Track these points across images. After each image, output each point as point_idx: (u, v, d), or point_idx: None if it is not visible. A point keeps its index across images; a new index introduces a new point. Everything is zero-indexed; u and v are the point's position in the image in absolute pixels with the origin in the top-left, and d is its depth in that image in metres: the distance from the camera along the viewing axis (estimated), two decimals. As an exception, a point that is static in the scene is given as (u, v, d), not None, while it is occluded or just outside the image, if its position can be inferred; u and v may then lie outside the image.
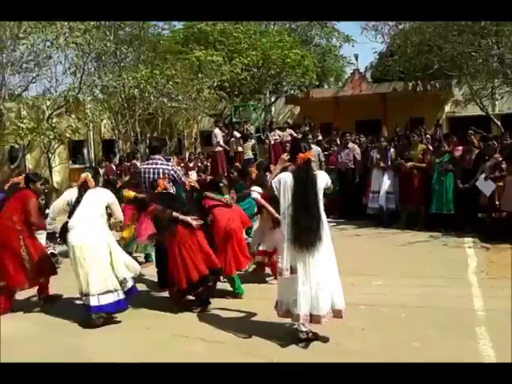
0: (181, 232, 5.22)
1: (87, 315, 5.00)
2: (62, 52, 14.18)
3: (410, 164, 9.17)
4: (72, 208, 5.16)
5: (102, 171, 10.91)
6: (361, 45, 38.22)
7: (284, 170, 4.56)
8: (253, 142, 13.55)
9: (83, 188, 5.24)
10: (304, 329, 4.27)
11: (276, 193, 4.39)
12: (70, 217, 5.15)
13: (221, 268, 5.46)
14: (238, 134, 13.85)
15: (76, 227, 5.06)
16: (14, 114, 13.80)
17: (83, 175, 5.31)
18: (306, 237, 4.16)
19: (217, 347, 4.38)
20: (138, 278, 6.41)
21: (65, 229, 5.14)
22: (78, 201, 5.17)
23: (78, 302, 5.48)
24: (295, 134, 13.54)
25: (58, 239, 6.23)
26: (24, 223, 5.55)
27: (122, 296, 5.08)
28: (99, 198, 5.23)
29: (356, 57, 20.83)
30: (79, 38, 13.19)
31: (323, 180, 4.40)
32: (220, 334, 4.66)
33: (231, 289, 5.77)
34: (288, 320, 4.44)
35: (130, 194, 7.28)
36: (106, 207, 5.27)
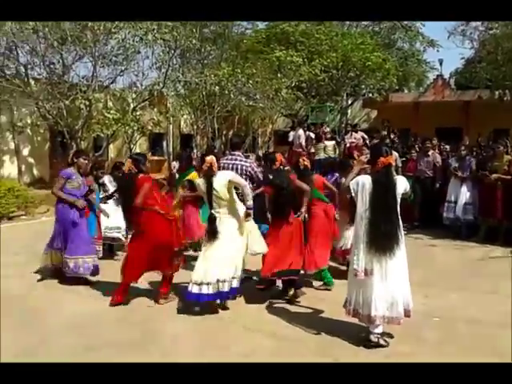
0: (296, 222, 5.47)
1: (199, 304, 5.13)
2: (150, 47, 14.75)
3: (494, 176, 8.79)
4: (208, 195, 5.20)
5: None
6: (446, 50, 37.04)
7: (361, 172, 4.57)
8: (331, 142, 13.39)
9: (210, 173, 5.21)
10: (377, 331, 4.28)
11: (353, 194, 4.39)
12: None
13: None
14: (312, 135, 13.90)
15: (218, 214, 5.18)
16: (101, 104, 14.48)
17: (208, 159, 5.19)
18: (384, 241, 4.17)
19: (286, 344, 4.42)
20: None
21: (213, 219, 5.15)
22: (209, 188, 5.17)
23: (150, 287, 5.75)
24: (366, 138, 13.46)
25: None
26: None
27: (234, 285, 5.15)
28: (222, 182, 5.19)
29: (440, 62, 20.15)
30: (167, 34, 13.66)
31: (402, 185, 4.38)
32: (291, 330, 4.71)
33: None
34: (356, 320, 4.45)
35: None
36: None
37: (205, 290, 4.99)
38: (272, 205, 5.68)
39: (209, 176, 5.19)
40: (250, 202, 5.28)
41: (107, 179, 7.52)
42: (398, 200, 4.31)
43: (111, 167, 7.20)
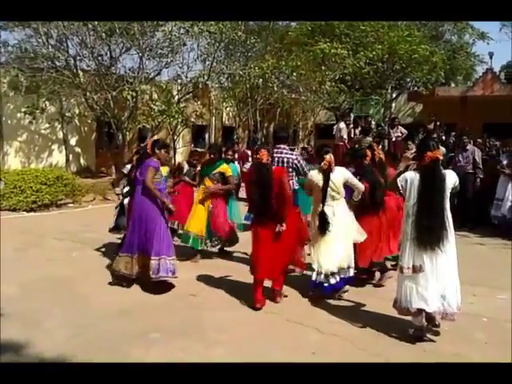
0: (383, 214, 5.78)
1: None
2: (196, 40, 14.87)
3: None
4: (324, 191, 5.29)
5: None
6: (497, 42, 35.72)
7: (407, 168, 4.51)
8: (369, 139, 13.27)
9: (329, 170, 5.30)
10: (429, 327, 4.31)
11: (402, 191, 4.38)
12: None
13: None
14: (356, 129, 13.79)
15: (332, 208, 5.32)
16: (147, 96, 14.72)
17: (328, 157, 5.30)
18: (427, 236, 4.14)
19: (330, 340, 4.42)
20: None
21: (324, 214, 5.28)
22: (326, 184, 5.28)
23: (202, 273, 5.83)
24: (405, 132, 13.26)
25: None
26: None
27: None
28: (340, 179, 5.35)
29: (491, 55, 19.47)
30: (212, 26, 13.74)
31: (452, 180, 4.31)
32: (334, 325, 4.70)
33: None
34: (405, 317, 4.41)
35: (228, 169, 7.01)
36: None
37: (332, 280, 5.21)
38: (368, 199, 5.70)
39: (327, 172, 5.30)
40: (359, 197, 5.52)
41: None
42: (448, 195, 4.24)
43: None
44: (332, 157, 5.36)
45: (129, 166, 6.89)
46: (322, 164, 5.30)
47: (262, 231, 5.13)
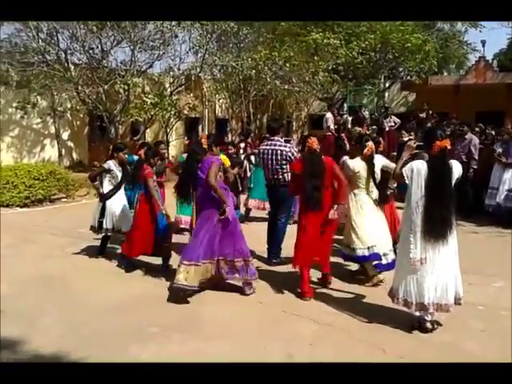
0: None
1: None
2: (187, 31, 14.77)
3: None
4: (367, 177, 5.55)
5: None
6: (489, 30, 35.60)
7: (413, 157, 4.47)
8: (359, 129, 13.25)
9: (371, 157, 5.55)
10: (429, 318, 4.28)
11: (407, 181, 4.25)
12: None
13: None
14: (349, 118, 13.77)
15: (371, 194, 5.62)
16: (139, 89, 14.62)
17: (370, 144, 5.58)
18: (440, 228, 4.10)
19: (327, 330, 4.42)
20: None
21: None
22: (371, 170, 5.54)
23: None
24: (398, 122, 13.32)
25: None
26: None
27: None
28: (378, 165, 5.62)
29: (483, 43, 19.58)
30: (204, 18, 13.62)
31: (458, 170, 4.27)
32: (330, 316, 4.70)
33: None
34: (400, 307, 4.40)
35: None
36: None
37: (388, 258, 5.45)
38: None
39: (371, 159, 5.53)
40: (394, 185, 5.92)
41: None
42: (453, 185, 4.21)
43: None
44: (373, 145, 5.61)
45: (111, 162, 6.64)
46: (366, 151, 5.51)
47: (313, 220, 5.15)
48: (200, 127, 20.93)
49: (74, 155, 17.71)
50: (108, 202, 6.58)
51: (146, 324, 4.49)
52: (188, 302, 5.05)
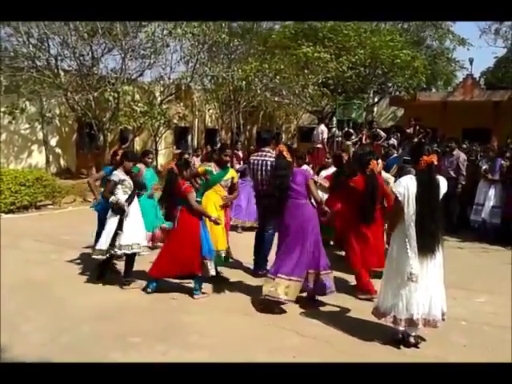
0: None
1: None
2: (179, 41, 14.83)
3: (524, 179, 8.60)
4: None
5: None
6: (477, 49, 36.20)
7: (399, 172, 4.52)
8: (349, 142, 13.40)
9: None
10: (414, 333, 4.28)
11: (400, 199, 4.18)
12: None
13: None
14: (339, 132, 13.91)
15: None
16: (129, 97, 14.62)
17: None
18: (431, 242, 4.12)
19: (311, 343, 4.41)
20: (235, 265, 6.65)
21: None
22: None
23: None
24: (383, 135, 13.51)
25: None
26: None
27: None
28: None
29: (471, 61, 19.81)
30: (196, 28, 13.72)
31: (444, 185, 4.29)
32: (314, 328, 4.69)
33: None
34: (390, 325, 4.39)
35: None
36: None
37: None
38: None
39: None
40: None
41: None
42: (440, 200, 4.22)
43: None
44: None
45: (119, 173, 5.83)
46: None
47: (367, 232, 5.73)
48: (190, 137, 20.95)
49: (62, 162, 17.60)
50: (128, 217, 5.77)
51: (129, 332, 4.45)
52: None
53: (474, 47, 31.86)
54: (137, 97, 15.55)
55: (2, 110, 14.31)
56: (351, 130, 14.46)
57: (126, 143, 16.43)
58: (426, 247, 4.12)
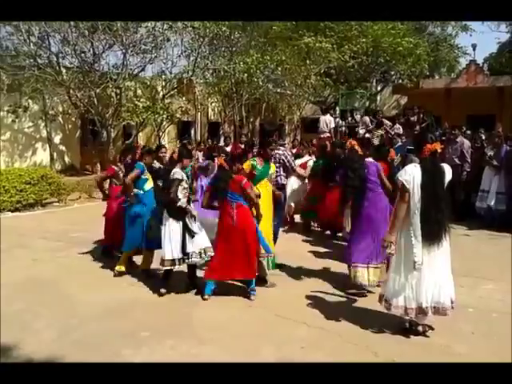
0: None
1: None
2: (179, 35, 14.78)
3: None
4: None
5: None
6: (480, 34, 35.94)
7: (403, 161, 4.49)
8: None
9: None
10: (421, 321, 4.29)
11: (408, 187, 4.13)
12: None
13: None
14: (342, 122, 13.88)
15: None
16: (131, 92, 14.61)
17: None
18: (437, 229, 4.11)
19: (319, 334, 4.43)
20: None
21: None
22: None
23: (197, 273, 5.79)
24: (389, 124, 13.39)
25: None
26: None
27: None
28: None
29: (474, 47, 19.65)
30: (196, 21, 13.65)
31: (449, 173, 4.26)
32: (323, 320, 4.71)
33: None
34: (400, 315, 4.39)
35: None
36: None
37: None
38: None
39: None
40: None
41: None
42: (445, 187, 4.21)
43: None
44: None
45: (179, 170, 5.37)
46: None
47: None
48: (192, 131, 20.93)
49: (66, 159, 17.64)
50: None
51: (139, 328, 4.48)
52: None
53: (477, 33, 31.73)
54: (139, 92, 15.52)
55: (6, 108, 14.33)
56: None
57: (130, 139, 16.44)
58: (433, 235, 4.11)
